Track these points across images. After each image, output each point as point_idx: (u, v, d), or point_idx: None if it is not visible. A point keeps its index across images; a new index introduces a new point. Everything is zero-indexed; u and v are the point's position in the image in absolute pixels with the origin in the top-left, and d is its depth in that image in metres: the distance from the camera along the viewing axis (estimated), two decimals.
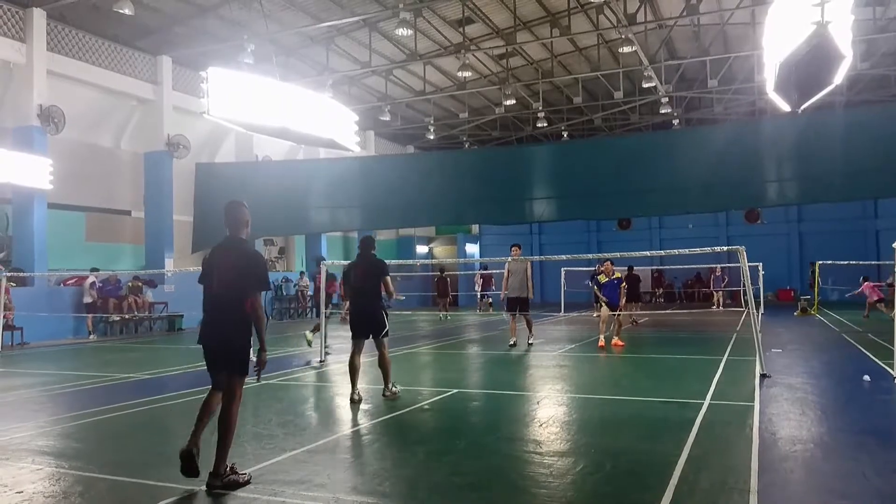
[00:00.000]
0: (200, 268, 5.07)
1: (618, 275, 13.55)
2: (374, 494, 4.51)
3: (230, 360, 4.79)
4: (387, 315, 7.88)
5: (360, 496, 4.48)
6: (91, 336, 17.42)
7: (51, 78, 17.95)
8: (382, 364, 7.97)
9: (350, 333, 8.00)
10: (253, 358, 4.80)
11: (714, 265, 26.48)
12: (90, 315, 17.50)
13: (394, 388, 8.02)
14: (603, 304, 13.34)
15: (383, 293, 7.85)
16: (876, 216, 30.74)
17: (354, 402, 7.62)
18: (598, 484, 4.75)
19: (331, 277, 14.53)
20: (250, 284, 4.74)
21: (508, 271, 13.56)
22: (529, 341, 13.60)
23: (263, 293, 4.94)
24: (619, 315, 13.38)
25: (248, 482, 4.70)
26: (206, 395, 5.00)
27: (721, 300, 25.70)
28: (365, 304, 7.87)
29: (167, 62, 21.17)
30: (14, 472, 5.16)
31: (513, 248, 13.69)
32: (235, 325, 4.75)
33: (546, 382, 9.59)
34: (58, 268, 18.27)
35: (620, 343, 13.12)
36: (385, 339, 7.91)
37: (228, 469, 4.70)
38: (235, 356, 4.78)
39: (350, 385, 7.79)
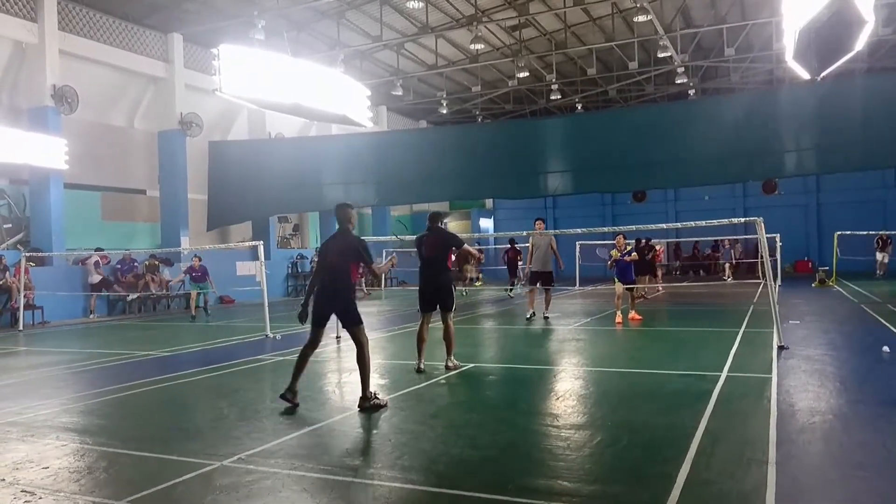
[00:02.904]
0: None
1: (629, 247, 13.39)
2: (393, 468, 4.55)
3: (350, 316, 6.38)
4: (455, 288, 8.08)
5: (380, 470, 4.52)
6: (92, 315, 17.48)
7: (63, 58, 17.97)
8: (447, 336, 8.12)
9: (417, 305, 8.32)
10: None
11: (723, 237, 26.29)
12: (94, 294, 17.66)
13: (454, 362, 8.17)
14: (616, 279, 13.25)
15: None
16: (895, 185, 30.30)
17: (419, 373, 7.92)
18: (615, 457, 4.76)
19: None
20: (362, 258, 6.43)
21: (532, 245, 13.61)
22: (545, 314, 13.60)
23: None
24: (634, 289, 13.30)
25: (386, 405, 6.21)
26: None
27: (731, 272, 25.54)
28: (433, 275, 8.06)
29: (178, 40, 21.12)
30: (39, 448, 5.25)
31: (537, 223, 13.70)
32: (346, 289, 6.40)
33: (562, 356, 9.60)
34: (75, 247, 18.45)
35: (638, 317, 13.07)
36: (450, 312, 8.11)
37: (373, 394, 6.21)
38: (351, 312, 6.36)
39: (417, 356, 8.14)
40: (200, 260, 17.24)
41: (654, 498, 3.86)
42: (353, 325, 6.43)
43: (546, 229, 14.86)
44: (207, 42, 20.95)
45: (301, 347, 6.72)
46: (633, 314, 13.10)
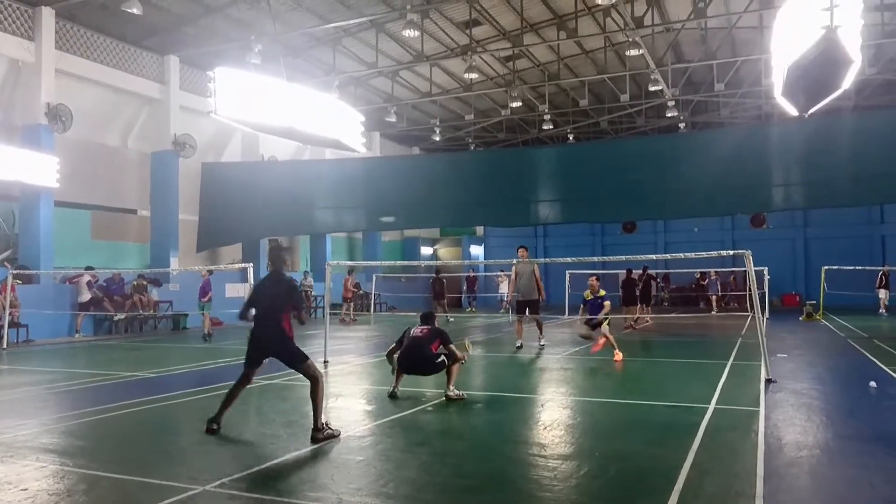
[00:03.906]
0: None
1: (602, 293, 12.45)
2: (378, 496, 4.50)
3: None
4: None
5: (364, 497, 4.47)
6: (77, 335, 17.28)
7: (59, 76, 18.02)
8: (449, 370, 8.26)
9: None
10: None
11: (708, 269, 26.35)
12: (82, 313, 17.50)
13: (455, 391, 8.13)
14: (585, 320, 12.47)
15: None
16: (882, 221, 30.61)
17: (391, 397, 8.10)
18: (602, 488, 4.73)
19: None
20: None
21: (516, 273, 13.55)
22: (540, 343, 13.53)
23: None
24: (601, 329, 12.05)
25: (338, 435, 6.08)
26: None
27: (717, 304, 25.56)
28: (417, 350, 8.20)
29: (174, 62, 21.24)
30: (18, 469, 5.16)
31: (519, 250, 13.61)
32: (279, 333, 6.29)
33: (550, 385, 9.57)
34: (64, 266, 18.33)
35: (619, 358, 11.65)
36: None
37: (325, 425, 6.06)
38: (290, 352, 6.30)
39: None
40: (211, 273, 17.03)
41: None
42: (298, 363, 6.31)
43: (535, 258, 14.87)
44: (203, 65, 21.09)
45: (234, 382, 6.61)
46: (616, 354, 11.75)
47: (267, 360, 6.52)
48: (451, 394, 8.01)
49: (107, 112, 20.37)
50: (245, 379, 6.55)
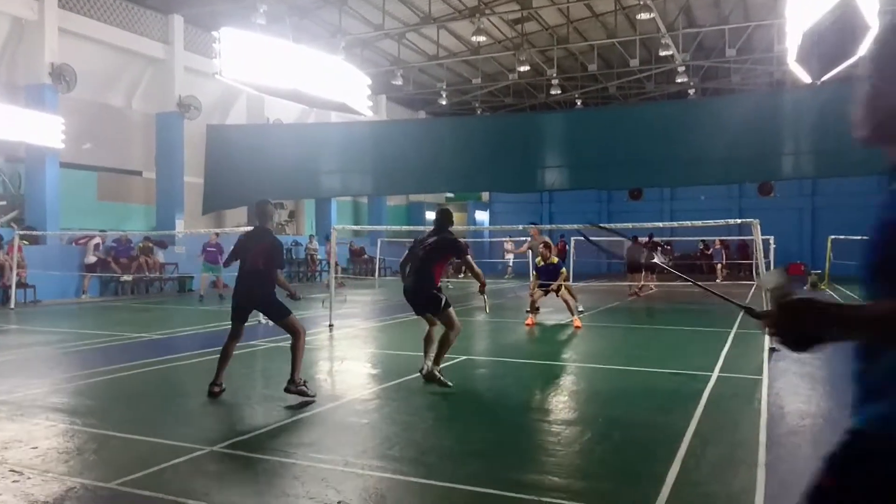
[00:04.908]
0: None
1: (554, 260, 12.41)
2: (383, 458, 4.55)
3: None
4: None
5: (370, 459, 4.53)
6: (84, 296, 17.42)
7: (62, 36, 17.82)
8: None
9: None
10: None
11: (713, 238, 26.20)
12: (88, 274, 17.60)
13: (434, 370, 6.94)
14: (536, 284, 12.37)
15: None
16: None
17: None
18: (606, 454, 4.78)
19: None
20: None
21: (530, 248, 13.84)
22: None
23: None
24: (560, 295, 12.07)
25: (314, 399, 6.04)
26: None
27: (720, 273, 25.47)
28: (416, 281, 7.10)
29: (179, 21, 20.98)
30: (29, 427, 5.23)
31: (531, 230, 14.05)
32: (261, 287, 6.30)
33: (554, 351, 9.62)
34: (70, 227, 18.37)
35: (579, 324, 11.84)
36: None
37: (302, 381, 6.10)
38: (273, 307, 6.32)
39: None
40: (217, 236, 17.06)
41: (643, 497, 3.87)
42: (279, 318, 6.33)
43: (541, 223, 14.99)
44: (208, 25, 20.81)
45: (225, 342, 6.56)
46: (576, 321, 11.85)
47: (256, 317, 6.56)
48: (436, 373, 6.74)
49: (111, 72, 20.19)
50: (235, 334, 6.52)
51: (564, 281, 12.11)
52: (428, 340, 6.88)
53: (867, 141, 1.61)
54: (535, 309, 12.24)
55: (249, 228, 6.67)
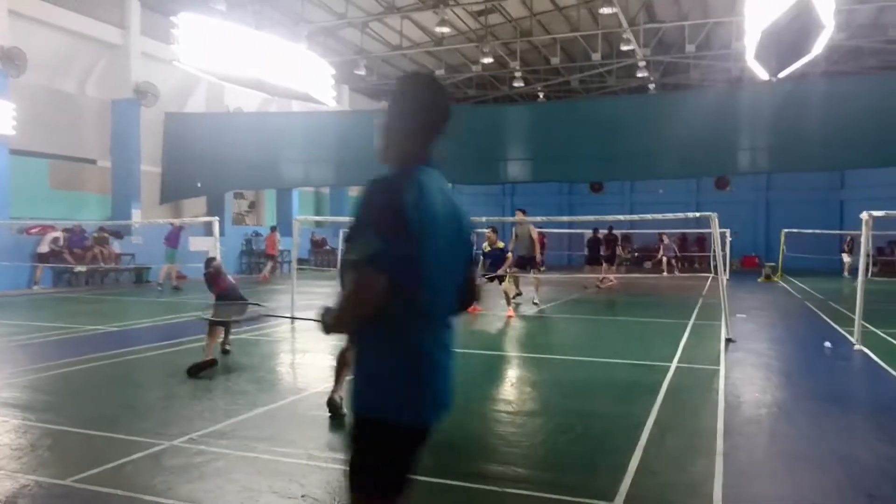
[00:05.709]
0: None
1: (500, 245, 12.66)
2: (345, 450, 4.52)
3: None
4: None
5: (333, 452, 4.50)
6: (36, 287, 16.92)
7: (12, 18, 17.20)
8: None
9: None
10: None
11: (662, 231, 26.39)
12: (41, 265, 17.11)
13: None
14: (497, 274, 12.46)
15: None
16: (842, 186, 31.27)
17: None
18: (568, 444, 4.83)
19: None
20: None
21: (516, 235, 13.86)
22: (534, 301, 13.72)
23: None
24: (502, 286, 12.33)
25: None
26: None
27: (667, 266, 25.66)
28: None
29: (135, 5, 20.44)
30: None
31: (517, 213, 13.98)
32: None
33: (516, 342, 9.69)
34: (21, 216, 17.80)
35: (512, 314, 12.08)
36: None
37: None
38: None
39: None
40: (181, 228, 16.94)
41: (606, 486, 3.92)
42: None
43: (502, 216, 15.04)
44: (166, 10, 20.31)
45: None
46: (510, 311, 12.07)
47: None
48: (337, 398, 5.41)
49: (64, 57, 19.58)
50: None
51: (514, 267, 12.44)
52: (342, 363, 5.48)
53: (382, 160, 2.27)
54: (512, 299, 12.53)
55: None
